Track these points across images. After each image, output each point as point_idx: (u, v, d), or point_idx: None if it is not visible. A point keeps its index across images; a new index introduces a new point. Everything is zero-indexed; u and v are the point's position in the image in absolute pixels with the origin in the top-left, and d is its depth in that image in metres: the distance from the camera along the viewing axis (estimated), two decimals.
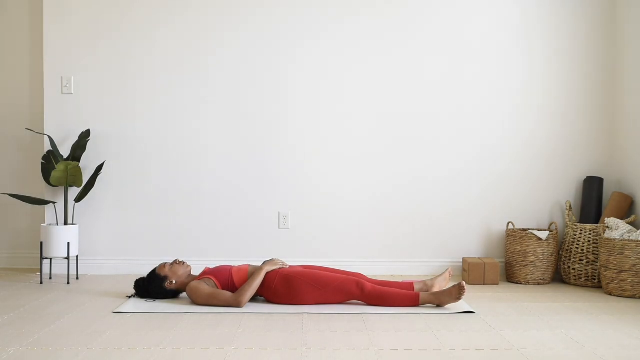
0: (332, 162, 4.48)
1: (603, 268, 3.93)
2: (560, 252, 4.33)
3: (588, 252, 4.14)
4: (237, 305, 3.39)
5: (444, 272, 3.68)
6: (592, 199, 4.37)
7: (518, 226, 4.50)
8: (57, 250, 4.09)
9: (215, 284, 3.49)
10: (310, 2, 4.45)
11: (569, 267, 4.23)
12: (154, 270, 3.61)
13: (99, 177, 4.37)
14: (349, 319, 3.22)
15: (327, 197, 4.48)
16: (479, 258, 4.35)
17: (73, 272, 4.32)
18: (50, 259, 4.22)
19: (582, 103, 4.51)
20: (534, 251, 4.20)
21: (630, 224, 4.12)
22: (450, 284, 3.74)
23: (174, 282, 3.56)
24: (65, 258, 4.13)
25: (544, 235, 4.20)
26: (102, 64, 4.42)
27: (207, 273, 3.55)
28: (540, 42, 4.49)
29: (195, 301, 3.46)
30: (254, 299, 3.55)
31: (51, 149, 4.29)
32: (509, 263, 4.32)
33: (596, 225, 4.16)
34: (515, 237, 4.28)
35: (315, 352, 2.67)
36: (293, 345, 2.77)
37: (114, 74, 4.43)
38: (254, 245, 4.46)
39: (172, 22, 4.43)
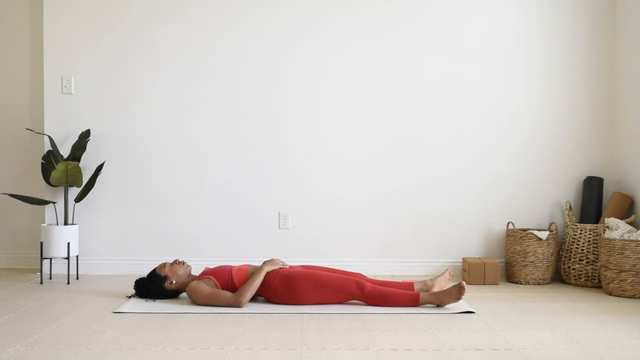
0: (332, 162, 4.48)
1: (603, 268, 3.93)
2: (560, 252, 4.33)
3: (588, 252, 4.14)
4: (237, 305, 3.39)
5: (444, 272, 3.68)
6: (592, 199, 4.37)
7: (518, 226, 4.50)
8: (57, 250, 4.10)
9: (215, 284, 3.49)
10: (310, 2, 4.45)
11: (569, 267, 4.23)
12: (154, 270, 3.61)
13: (99, 177, 4.37)
14: (349, 319, 3.22)
15: (327, 197, 4.48)
16: (479, 258, 4.35)
17: (73, 272, 4.32)
18: (50, 259, 4.22)
19: (582, 103, 4.51)
20: (534, 251, 4.20)
21: (630, 224, 4.12)
22: (450, 284, 3.73)
23: (174, 282, 3.56)
24: (65, 258, 4.13)
25: (544, 235, 4.20)
26: (102, 64, 4.42)
27: (207, 273, 3.54)
28: (540, 42, 4.49)
29: (195, 301, 3.46)
30: (254, 299, 3.55)
31: (51, 149, 4.29)
32: (509, 263, 4.32)
33: (596, 225, 4.16)
34: (515, 237, 4.28)
35: (315, 352, 2.67)
36: (293, 345, 2.77)
37: (114, 74, 4.43)
38: (254, 245, 4.46)
39: (172, 22, 4.43)
